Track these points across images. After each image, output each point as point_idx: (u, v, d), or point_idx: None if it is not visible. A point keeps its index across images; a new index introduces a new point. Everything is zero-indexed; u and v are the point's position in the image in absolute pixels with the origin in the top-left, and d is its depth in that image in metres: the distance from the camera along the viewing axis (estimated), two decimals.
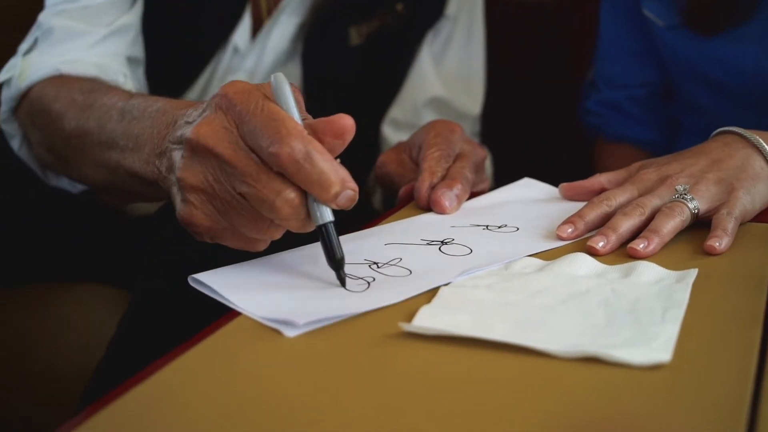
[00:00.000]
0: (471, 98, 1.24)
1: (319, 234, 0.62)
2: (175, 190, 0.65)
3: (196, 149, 0.62)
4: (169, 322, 0.69)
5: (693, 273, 0.64)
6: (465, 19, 1.23)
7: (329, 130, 0.61)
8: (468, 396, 0.50)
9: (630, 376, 0.50)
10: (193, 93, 1.09)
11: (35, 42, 0.99)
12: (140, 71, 1.06)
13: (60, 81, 0.94)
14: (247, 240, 0.64)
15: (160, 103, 0.75)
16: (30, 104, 0.95)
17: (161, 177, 0.69)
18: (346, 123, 0.61)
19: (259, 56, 1.10)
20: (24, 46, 0.99)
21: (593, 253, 0.69)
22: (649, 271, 0.64)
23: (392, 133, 1.19)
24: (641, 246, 0.68)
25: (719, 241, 0.69)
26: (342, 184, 0.60)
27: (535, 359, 0.53)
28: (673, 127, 1.24)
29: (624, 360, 0.51)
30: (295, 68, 1.13)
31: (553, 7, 1.48)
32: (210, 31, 1.08)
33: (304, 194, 0.60)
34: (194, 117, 0.64)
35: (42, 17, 1.00)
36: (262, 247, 0.65)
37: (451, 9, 1.21)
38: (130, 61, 1.03)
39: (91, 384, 0.74)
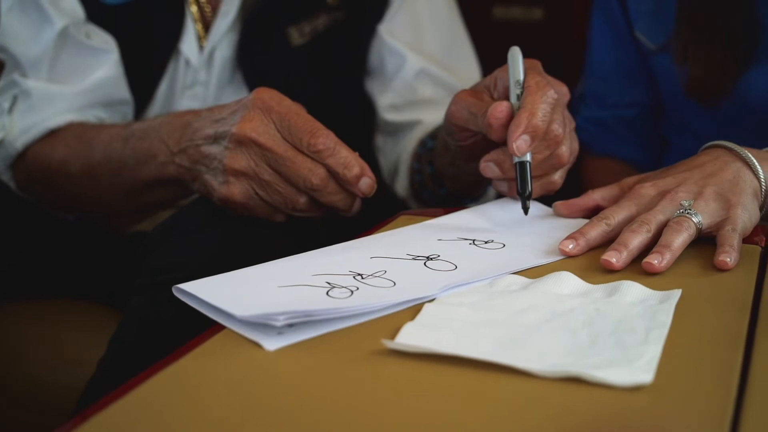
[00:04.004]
0: (463, 64, 1.20)
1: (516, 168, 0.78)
2: (208, 176, 0.82)
3: (241, 141, 0.80)
4: (159, 341, 0.69)
5: (677, 294, 0.64)
6: None
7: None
8: (450, 414, 0.49)
9: (612, 396, 0.50)
10: (154, 107, 1.09)
11: (15, 100, 1.01)
12: (129, 111, 1.07)
13: (51, 136, 1.00)
14: (271, 212, 0.82)
15: (160, 119, 0.90)
16: (27, 165, 1.01)
17: (183, 170, 0.85)
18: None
19: (208, 68, 1.09)
20: (5, 105, 1.01)
21: (608, 268, 0.69)
22: (633, 291, 0.64)
23: (396, 115, 1.16)
24: (656, 261, 0.69)
25: (729, 257, 0.69)
26: (362, 170, 0.80)
27: (517, 378, 0.52)
28: (660, 146, 1.24)
29: (606, 380, 0.51)
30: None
31: (544, 25, 1.48)
32: (156, 41, 1.07)
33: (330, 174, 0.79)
34: (226, 114, 0.82)
35: (16, 77, 1.01)
36: (282, 218, 0.83)
37: None
38: (113, 105, 1.05)
39: (81, 403, 0.74)
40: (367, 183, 0.80)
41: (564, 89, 0.83)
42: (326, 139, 0.79)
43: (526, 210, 0.79)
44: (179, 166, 0.86)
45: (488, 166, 0.82)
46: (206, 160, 0.83)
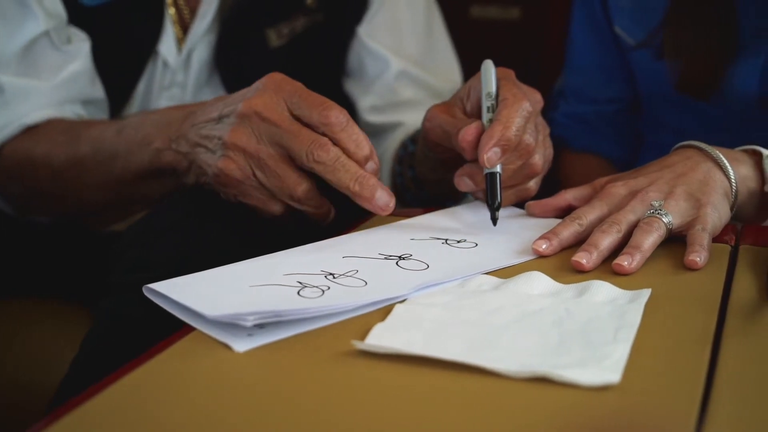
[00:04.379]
0: (443, 65, 1.20)
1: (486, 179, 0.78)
2: (206, 156, 0.79)
3: (246, 114, 0.77)
4: (132, 341, 0.69)
5: (646, 293, 0.64)
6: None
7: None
8: (419, 414, 0.50)
9: (579, 396, 0.51)
10: (132, 107, 1.09)
11: None
12: (103, 110, 1.06)
13: (31, 132, 0.97)
14: (267, 199, 0.78)
15: (159, 110, 0.89)
16: (3, 163, 0.98)
17: (180, 157, 0.83)
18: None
19: (186, 69, 1.09)
20: None
21: (579, 269, 0.70)
22: (602, 291, 0.64)
23: (377, 117, 1.16)
24: (626, 262, 0.69)
25: (699, 256, 0.70)
26: (371, 151, 0.77)
27: (486, 379, 0.53)
28: (637, 142, 1.25)
29: (573, 380, 0.51)
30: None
31: (522, 24, 1.49)
32: (134, 42, 1.07)
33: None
34: (235, 97, 0.79)
35: None
36: (277, 208, 0.79)
37: None
38: (90, 102, 1.04)
39: (54, 403, 0.73)
40: (372, 168, 0.77)
41: (537, 96, 0.84)
42: (339, 113, 0.75)
43: (494, 221, 0.78)
44: (176, 153, 0.83)
45: (462, 180, 0.82)
46: (206, 141, 0.80)
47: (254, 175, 0.77)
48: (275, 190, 0.78)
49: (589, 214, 0.76)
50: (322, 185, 0.78)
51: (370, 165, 0.77)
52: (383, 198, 0.76)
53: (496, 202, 0.78)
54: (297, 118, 0.77)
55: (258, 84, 0.79)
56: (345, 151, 0.76)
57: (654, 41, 1.11)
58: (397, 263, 0.71)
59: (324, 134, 0.76)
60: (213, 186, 0.81)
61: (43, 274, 1.04)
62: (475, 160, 0.79)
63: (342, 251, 0.73)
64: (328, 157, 0.75)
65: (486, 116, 0.80)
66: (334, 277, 0.67)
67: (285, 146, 0.76)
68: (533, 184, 0.84)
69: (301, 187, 0.77)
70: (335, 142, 0.76)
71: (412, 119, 1.11)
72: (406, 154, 1.07)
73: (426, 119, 0.86)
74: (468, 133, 0.79)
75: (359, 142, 0.76)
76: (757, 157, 0.82)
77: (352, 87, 1.18)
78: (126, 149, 0.88)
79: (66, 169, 0.93)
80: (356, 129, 0.76)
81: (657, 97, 1.17)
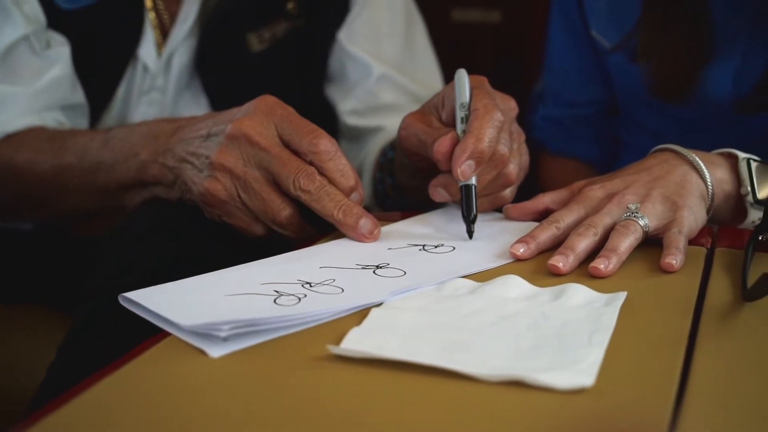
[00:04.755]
0: (423, 69, 1.20)
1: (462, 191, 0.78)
2: (192, 173, 0.80)
3: (235, 136, 0.77)
4: (108, 346, 0.69)
5: (622, 296, 0.64)
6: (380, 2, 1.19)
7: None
8: (393, 419, 0.50)
9: (554, 399, 0.51)
10: (112, 112, 1.08)
11: None
12: (83, 115, 1.05)
13: (12, 139, 0.97)
14: (250, 221, 0.79)
15: (147, 122, 0.89)
16: None
17: (165, 170, 0.83)
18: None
19: (166, 73, 1.09)
20: None
21: (555, 272, 0.70)
22: (578, 294, 0.65)
23: (357, 120, 1.16)
24: (602, 265, 0.69)
25: (675, 259, 0.70)
26: (356, 182, 0.78)
27: (460, 383, 0.53)
28: (616, 144, 1.25)
29: (547, 384, 0.51)
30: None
31: (503, 27, 1.49)
32: (114, 46, 1.07)
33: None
34: (225, 116, 0.80)
35: None
36: (260, 231, 0.80)
37: None
38: (70, 108, 1.03)
39: (31, 407, 0.73)
40: (357, 198, 0.79)
41: (512, 104, 0.84)
42: (328, 142, 0.77)
43: (470, 234, 0.78)
44: (162, 166, 0.83)
45: (437, 191, 0.82)
46: (192, 157, 0.80)
47: (239, 196, 0.78)
48: (259, 213, 0.78)
49: (566, 218, 0.76)
50: (306, 210, 0.78)
51: (355, 196, 0.78)
52: (367, 225, 0.77)
53: (472, 215, 0.78)
54: (286, 144, 0.77)
55: (249, 105, 0.79)
56: (331, 181, 0.77)
57: (629, 44, 1.12)
58: (374, 272, 0.71)
59: (312, 162, 0.77)
60: (197, 204, 0.81)
61: (20, 279, 1.04)
62: (450, 171, 0.79)
63: (319, 261, 0.73)
64: (313, 186, 0.76)
65: (460, 127, 0.80)
66: (310, 286, 0.67)
67: (272, 172, 0.77)
68: (508, 192, 0.84)
69: (284, 212, 0.78)
70: (322, 171, 0.77)
71: (393, 124, 1.10)
72: (386, 161, 1.07)
73: (401, 128, 0.86)
74: (443, 144, 0.79)
75: (345, 172, 0.77)
76: (733, 160, 0.83)
77: (332, 91, 1.18)
78: (112, 159, 0.88)
79: (50, 178, 0.93)
80: (343, 160, 0.78)
81: (633, 100, 1.17)
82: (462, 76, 0.83)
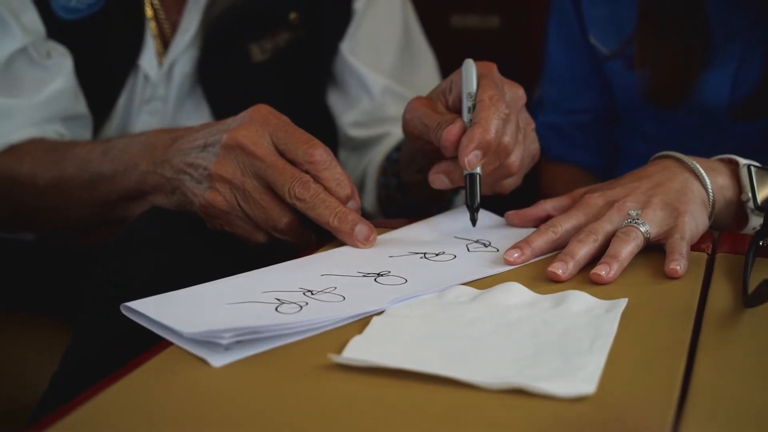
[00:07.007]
0: (423, 79, 1.20)
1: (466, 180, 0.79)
2: (191, 184, 0.80)
3: (231, 147, 0.77)
4: (110, 356, 0.69)
5: (622, 303, 0.64)
6: (381, 6, 1.19)
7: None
8: (395, 427, 0.50)
9: (555, 407, 0.51)
10: (113, 122, 1.08)
11: None
12: (85, 125, 1.06)
13: (13, 151, 0.97)
14: (252, 229, 0.80)
15: (146, 134, 0.89)
16: None
17: (164, 180, 0.83)
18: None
19: (167, 83, 1.09)
20: None
21: (554, 279, 0.70)
22: (579, 301, 0.65)
23: (360, 131, 1.16)
24: (604, 272, 0.69)
25: (679, 265, 0.70)
26: (352, 191, 0.78)
27: (463, 391, 0.53)
28: (615, 151, 1.26)
29: (549, 392, 0.52)
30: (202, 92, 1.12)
31: (501, 33, 1.49)
32: (115, 56, 1.07)
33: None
34: (220, 126, 0.80)
35: None
36: (262, 238, 0.80)
37: (358, 3, 1.16)
38: (73, 119, 1.03)
39: (33, 419, 0.73)
40: (353, 206, 0.79)
41: (520, 92, 0.84)
42: (324, 152, 0.77)
43: (474, 221, 0.80)
44: (160, 176, 0.84)
45: (437, 178, 0.83)
46: (190, 169, 0.81)
47: (240, 206, 0.78)
48: (260, 221, 0.79)
49: (564, 223, 0.76)
50: (306, 216, 0.79)
51: (352, 204, 0.79)
52: (363, 231, 0.77)
53: (476, 203, 0.79)
54: (281, 153, 0.78)
55: (244, 115, 0.80)
56: (327, 190, 0.77)
57: (626, 51, 1.12)
58: (375, 280, 0.71)
59: (307, 171, 0.77)
60: (199, 215, 0.81)
61: (21, 289, 1.04)
62: (453, 158, 0.80)
63: (320, 269, 0.73)
64: (308, 194, 0.76)
65: (467, 116, 0.80)
66: (312, 294, 0.67)
67: (268, 181, 0.77)
68: (510, 181, 0.85)
69: (285, 219, 0.78)
70: (318, 180, 0.77)
71: (398, 132, 1.11)
72: (391, 164, 1.07)
73: (406, 111, 0.86)
74: (451, 133, 0.79)
75: (341, 181, 0.78)
76: (734, 166, 0.83)
77: (335, 102, 1.18)
78: (112, 171, 0.88)
79: (51, 189, 0.94)
80: (339, 169, 0.78)
81: (632, 107, 1.18)
82: (469, 66, 0.83)
